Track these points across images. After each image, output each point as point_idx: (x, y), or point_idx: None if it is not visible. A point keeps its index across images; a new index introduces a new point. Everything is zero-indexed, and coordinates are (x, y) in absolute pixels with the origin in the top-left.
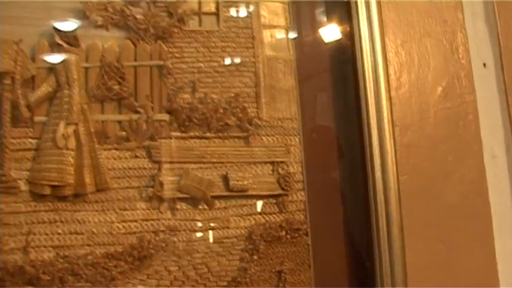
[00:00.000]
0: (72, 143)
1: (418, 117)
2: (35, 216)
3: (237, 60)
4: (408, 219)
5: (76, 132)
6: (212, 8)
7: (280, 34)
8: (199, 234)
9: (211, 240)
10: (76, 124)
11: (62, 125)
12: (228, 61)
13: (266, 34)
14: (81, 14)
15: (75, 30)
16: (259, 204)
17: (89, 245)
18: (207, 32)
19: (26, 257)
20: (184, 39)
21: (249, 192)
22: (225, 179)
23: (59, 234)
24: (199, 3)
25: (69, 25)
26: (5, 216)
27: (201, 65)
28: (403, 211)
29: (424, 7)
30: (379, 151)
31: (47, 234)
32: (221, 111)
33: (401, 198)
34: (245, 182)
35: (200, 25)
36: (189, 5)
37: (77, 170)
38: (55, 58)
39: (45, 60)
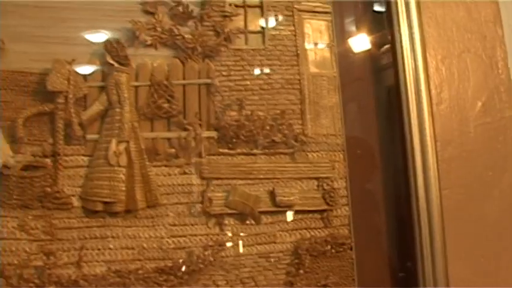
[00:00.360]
0: (123, 160)
1: (459, 132)
2: (87, 232)
3: (283, 77)
4: (450, 233)
5: (127, 150)
6: (258, 26)
7: (324, 51)
8: (246, 249)
9: (258, 255)
10: (127, 142)
11: (113, 142)
12: (273, 79)
13: (310, 51)
14: (131, 34)
15: (126, 49)
16: (305, 219)
17: (139, 260)
18: (253, 50)
19: (79, 271)
20: (231, 57)
21: (295, 208)
22: (272, 194)
23: (110, 249)
24: (245, 21)
25: (119, 45)
26: (59, 231)
27: (248, 82)
28: (445, 225)
29: (464, 23)
30: (421, 166)
31: (99, 249)
32: (268, 128)
33: (443, 212)
34: (291, 198)
35: (246, 43)
36: (235, 23)
37: (128, 187)
38: (107, 77)
39: (96, 79)
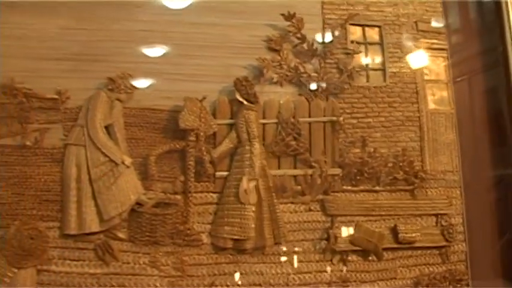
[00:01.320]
0: (254, 198)
1: None
2: (216, 268)
3: (403, 115)
4: None
5: (257, 188)
6: (379, 64)
7: (441, 89)
8: (369, 285)
9: None
10: (257, 180)
11: (245, 180)
12: (394, 116)
13: (429, 89)
14: (257, 71)
15: (254, 87)
16: (424, 255)
17: None
18: (374, 87)
19: None
20: (354, 94)
21: (416, 244)
22: (394, 231)
23: (238, 285)
24: (367, 58)
25: (248, 82)
26: (189, 268)
27: (370, 120)
28: None
29: None
30: None
31: (227, 286)
32: (390, 165)
33: None
34: (413, 235)
35: (368, 80)
36: (357, 61)
37: (257, 224)
38: (236, 115)
39: (225, 117)
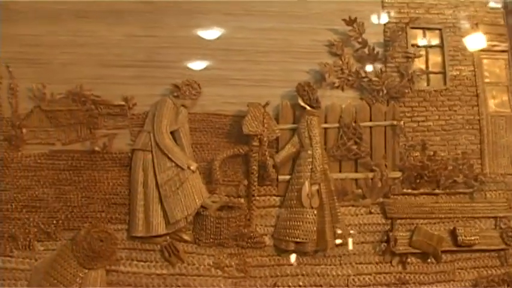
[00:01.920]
0: (316, 202)
1: None
2: (278, 270)
3: (463, 118)
4: None
5: (319, 191)
6: (439, 67)
7: (502, 91)
8: (427, 287)
9: None
10: (319, 184)
11: (307, 184)
12: (454, 119)
13: (489, 91)
14: (319, 75)
15: (317, 92)
16: (483, 257)
17: None
18: (434, 91)
19: None
20: (414, 98)
21: (474, 247)
22: (453, 234)
23: (300, 286)
24: (427, 62)
25: (310, 88)
26: (252, 269)
27: (430, 123)
28: None
29: None
30: None
31: (289, 287)
32: (449, 168)
33: None
34: (473, 238)
35: (428, 84)
36: (418, 64)
37: (318, 227)
38: (298, 119)
39: (288, 122)
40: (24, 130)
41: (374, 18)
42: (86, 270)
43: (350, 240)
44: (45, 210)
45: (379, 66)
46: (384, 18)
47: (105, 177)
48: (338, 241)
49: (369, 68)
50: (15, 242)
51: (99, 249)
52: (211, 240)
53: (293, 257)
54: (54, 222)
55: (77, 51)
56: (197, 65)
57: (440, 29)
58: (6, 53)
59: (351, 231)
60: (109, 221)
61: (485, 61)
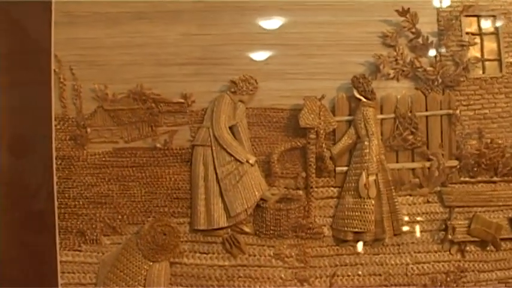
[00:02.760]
0: (373, 192)
1: None
2: (337, 259)
3: None
4: None
5: (376, 182)
6: (494, 54)
7: None
8: (486, 275)
9: (497, 280)
10: (376, 174)
11: (364, 175)
12: (511, 106)
13: None
14: (373, 67)
15: (371, 84)
16: None
17: (385, 286)
18: (490, 78)
19: None
20: (470, 86)
21: None
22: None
23: (359, 275)
24: (482, 49)
25: (365, 80)
26: (311, 259)
27: (486, 111)
28: None
29: None
30: None
31: (348, 276)
32: (507, 155)
33: None
34: None
35: (483, 72)
36: (473, 52)
37: (376, 217)
38: (354, 111)
39: (344, 114)
40: (88, 129)
41: (428, 8)
42: (151, 263)
43: (417, 228)
44: (110, 205)
45: (433, 55)
46: (438, 7)
47: (167, 172)
48: (405, 228)
49: (423, 57)
50: (83, 236)
51: (163, 242)
52: (271, 231)
53: (360, 246)
54: (119, 217)
55: (135, 52)
56: (253, 60)
57: (494, 16)
58: (68, 56)
59: (418, 219)
60: (172, 215)
61: None
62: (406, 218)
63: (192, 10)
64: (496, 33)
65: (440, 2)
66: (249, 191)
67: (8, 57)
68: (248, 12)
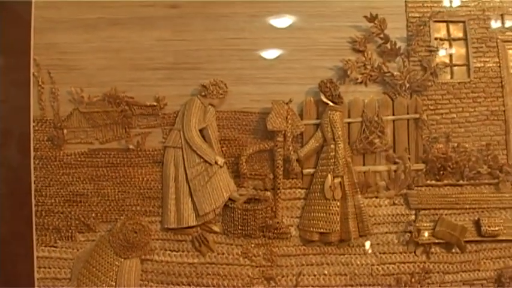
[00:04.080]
0: (338, 194)
1: None
2: (304, 259)
3: (488, 109)
4: None
5: (341, 184)
6: (462, 59)
7: None
8: (451, 276)
9: (462, 281)
10: (341, 176)
11: (329, 177)
12: (479, 111)
13: None
14: (342, 72)
15: (338, 88)
16: (509, 247)
17: (351, 286)
18: (458, 83)
19: None
20: (438, 91)
21: (499, 237)
22: (477, 224)
23: (325, 275)
24: (451, 55)
25: (333, 84)
26: (278, 258)
27: (454, 115)
28: None
29: None
30: None
31: (314, 275)
32: (473, 159)
33: None
34: (496, 228)
35: (452, 77)
36: (441, 57)
37: (342, 218)
38: (321, 115)
39: (311, 117)
40: (65, 131)
41: (397, 14)
42: (122, 260)
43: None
44: (85, 204)
45: (401, 60)
46: (407, 13)
47: (139, 173)
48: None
49: (391, 62)
50: (59, 233)
51: (134, 240)
52: (239, 231)
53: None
54: (93, 215)
55: (111, 57)
56: (223, 65)
57: (463, 22)
58: (47, 60)
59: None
60: (143, 213)
61: (510, 52)
62: (372, 220)
63: (166, 16)
64: (464, 38)
65: (410, 8)
66: (218, 191)
67: None
68: (219, 19)
